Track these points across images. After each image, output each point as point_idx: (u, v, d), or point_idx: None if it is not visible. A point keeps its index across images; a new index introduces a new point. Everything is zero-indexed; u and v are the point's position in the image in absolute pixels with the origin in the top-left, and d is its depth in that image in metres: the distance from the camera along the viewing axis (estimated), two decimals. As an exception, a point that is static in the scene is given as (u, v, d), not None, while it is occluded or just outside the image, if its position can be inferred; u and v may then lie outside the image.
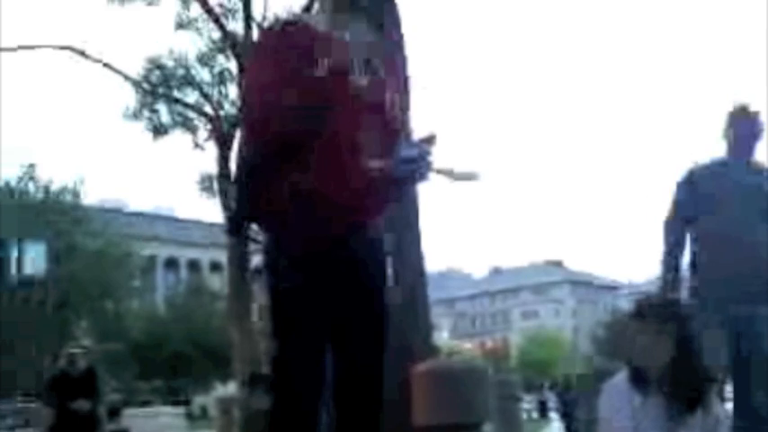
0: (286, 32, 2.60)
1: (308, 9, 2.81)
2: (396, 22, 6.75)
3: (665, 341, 2.69)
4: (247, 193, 2.45)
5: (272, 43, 2.59)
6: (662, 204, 4.10)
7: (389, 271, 2.55)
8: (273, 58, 2.41)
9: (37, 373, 18.06)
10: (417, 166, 2.34)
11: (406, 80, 6.23)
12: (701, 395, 2.70)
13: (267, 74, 2.41)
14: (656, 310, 2.81)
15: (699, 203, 3.94)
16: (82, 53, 15.61)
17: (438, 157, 2.36)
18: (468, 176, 2.37)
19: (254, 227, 2.58)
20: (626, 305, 61.51)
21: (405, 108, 2.58)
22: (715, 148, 4.10)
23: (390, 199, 2.53)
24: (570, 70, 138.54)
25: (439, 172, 2.37)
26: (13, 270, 20.86)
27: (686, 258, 4.05)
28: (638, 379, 2.74)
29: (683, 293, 3.99)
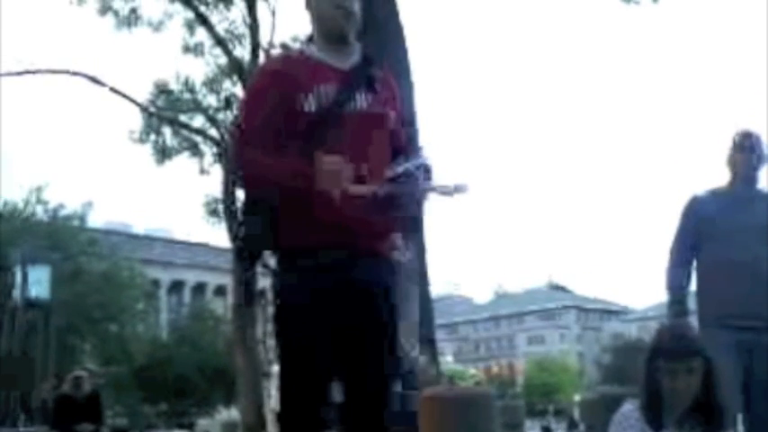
0: (285, 60, 2.67)
1: (312, 38, 2.90)
2: (406, 71, 6.77)
3: (694, 377, 2.66)
4: (255, 222, 2.48)
5: (269, 69, 2.66)
6: (667, 229, 4.12)
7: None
8: (267, 86, 2.49)
9: (40, 396, 17.99)
10: (408, 184, 2.37)
11: (412, 118, 6.29)
12: (719, 425, 2.68)
13: (258, 99, 2.49)
14: (682, 346, 2.74)
15: (704, 231, 3.94)
16: (89, 77, 15.76)
17: (433, 175, 2.41)
18: (458, 189, 2.40)
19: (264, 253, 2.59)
20: (632, 331, 61.20)
21: (409, 137, 2.62)
22: (720, 171, 4.12)
23: (394, 221, 2.55)
24: (578, 88, 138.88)
25: (430, 190, 2.41)
26: (18, 293, 20.88)
27: (692, 286, 4.05)
28: (651, 409, 2.71)
29: (691, 321, 3.98)
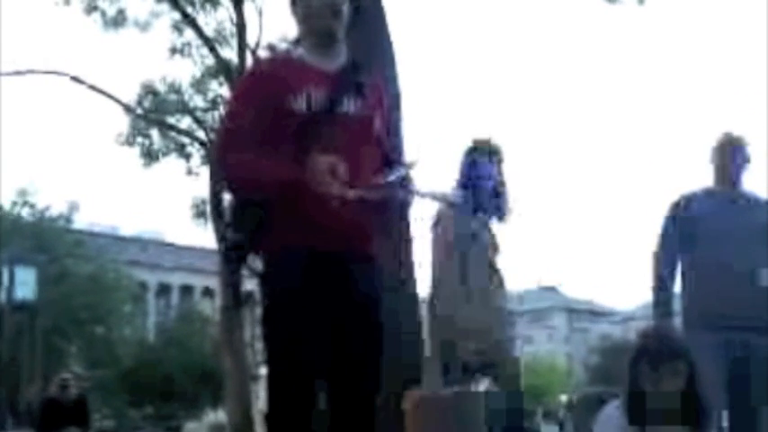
0: (271, 62, 2.66)
1: (299, 39, 2.90)
2: (390, 62, 6.81)
3: (677, 379, 2.68)
4: (246, 224, 2.47)
5: (257, 71, 2.65)
6: (653, 230, 4.13)
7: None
8: (254, 87, 2.49)
9: (26, 399, 17.89)
10: (400, 189, 2.39)
11: (397, 122, 6.33)
12: (702, 426, 2.70)
13: (244, 100, 2.49)
14: (666, 348, 2.78)
15: (687, 233, 3.97)
16: (76, 79, 15.67)
17: (422, 179, 2.45)
18: (446, 198, 2.44)
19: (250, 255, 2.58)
20: (620, 332, 61.37)
21: (395, 137, 2.64)
22: (705, 172, 4.15)
23: (380, 223, 2.56)
24: (566, 87, 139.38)
25: (422, 195, 2.44)
26: (4, 295, 20.75)
27: (677, 287, 4.07)
28: (636, 409, 2.73)
29: (676, 322, 4.00)
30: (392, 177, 2.37)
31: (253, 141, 2.39)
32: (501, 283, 4.09)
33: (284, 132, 2.39)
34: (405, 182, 2.38)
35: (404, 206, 2.53)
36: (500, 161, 4.11)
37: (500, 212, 4.08)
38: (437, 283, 4.00)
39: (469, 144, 4.12)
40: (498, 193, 4.08)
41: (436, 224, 3.98)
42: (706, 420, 2.72)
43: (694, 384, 2.71)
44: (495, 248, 4.08)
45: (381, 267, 2.55)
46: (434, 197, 2.46)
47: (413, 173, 2.40)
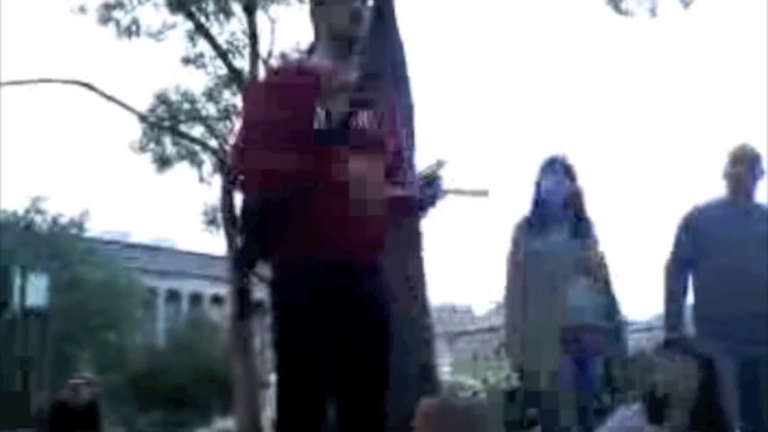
0: (285, 71, 2.67)
1: (312, 48, 2.91)
2: (407, 92, 6.86)
3: (691, 373, 2.70)
4: (257, 231, 2.48)
5: (271, 79, 2.67)
6: (665, 242, 4.12)
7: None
8: (268, 95, 2.50)
9: (37, 404, 17.95)
10: (434, 189, 2.44)
11: (409, 134, 6.37)
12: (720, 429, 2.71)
13: (258, 108, 2.50)
14: (683, 344, 2.81)
15: (699, 244, 3.96)
16: (89, 86, 15.75)
17: (449, 178, 2.48)
18: (479, 193, 2.46)
19: (261, 262, 2.60)
20: (632, 342, 61.24)
21: (406, 148, 2.66)
22: (717, 183, 4.14)
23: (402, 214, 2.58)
24: (576, 95, 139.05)
25: (449, 192, 2.47)
26: (16, 301, 20.84)
27: (690, 299, 4.06)
28: (654, 411, 2.74)
29: (688, 332, 4.00)
30: (416, 177, 2.41)
31: (267, 149, 2.40)
32: (597, 291, 3.96)
33: (300, 140, 2.40)
34: (430, 180, 2.42)
35: (428, 205, 2.56)
36: (568, 173, 3.99)
37: (572, 225, 3.92)
38: (504, 312, 4.04)
39: (539, 161, 4.05)
40: (568, 205, 3.94)
41: (513, 246, 3.97)
42: (724, 424, 2.73)
43: (712, 387, 2.72)
44: (593, 256, 3.95)
45: (386, 277, 2.56)
46: (462, 192, 2.47)
47: (442, 172, 2.44)
